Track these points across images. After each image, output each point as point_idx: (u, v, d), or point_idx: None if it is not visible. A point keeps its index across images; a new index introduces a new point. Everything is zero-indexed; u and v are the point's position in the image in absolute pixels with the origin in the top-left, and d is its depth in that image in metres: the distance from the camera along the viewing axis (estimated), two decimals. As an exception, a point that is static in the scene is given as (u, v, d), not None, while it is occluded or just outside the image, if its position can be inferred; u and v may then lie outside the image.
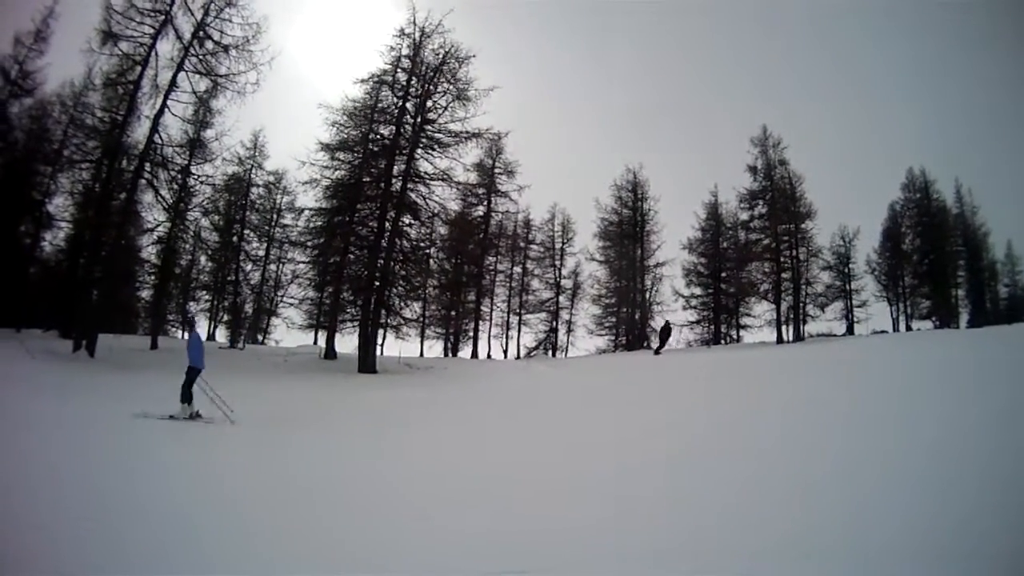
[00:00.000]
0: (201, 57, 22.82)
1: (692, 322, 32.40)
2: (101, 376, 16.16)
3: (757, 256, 31.18)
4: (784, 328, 29.74)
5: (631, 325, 31.48)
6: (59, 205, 26.06)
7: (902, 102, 50.15)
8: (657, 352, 22.13)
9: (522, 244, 32.02)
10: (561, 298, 32.09)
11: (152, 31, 22.00)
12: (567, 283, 32.31)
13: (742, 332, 32.16)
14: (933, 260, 31.97)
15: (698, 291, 32.56)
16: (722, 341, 31.62)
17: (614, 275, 31.97)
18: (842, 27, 53.98)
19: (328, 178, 24.15)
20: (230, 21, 22.84)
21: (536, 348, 31.57)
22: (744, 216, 32.15)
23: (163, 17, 22.07)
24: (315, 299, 25.51)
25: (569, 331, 32.02)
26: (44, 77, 25.69)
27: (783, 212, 30.59)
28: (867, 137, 52.32)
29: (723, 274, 32.45)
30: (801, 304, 30.27)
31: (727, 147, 64.60)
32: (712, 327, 32.33)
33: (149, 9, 21.96)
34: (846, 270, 31.87)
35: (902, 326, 31.74)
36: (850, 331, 30.84)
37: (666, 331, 26.34)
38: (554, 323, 31.84)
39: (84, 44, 21.59)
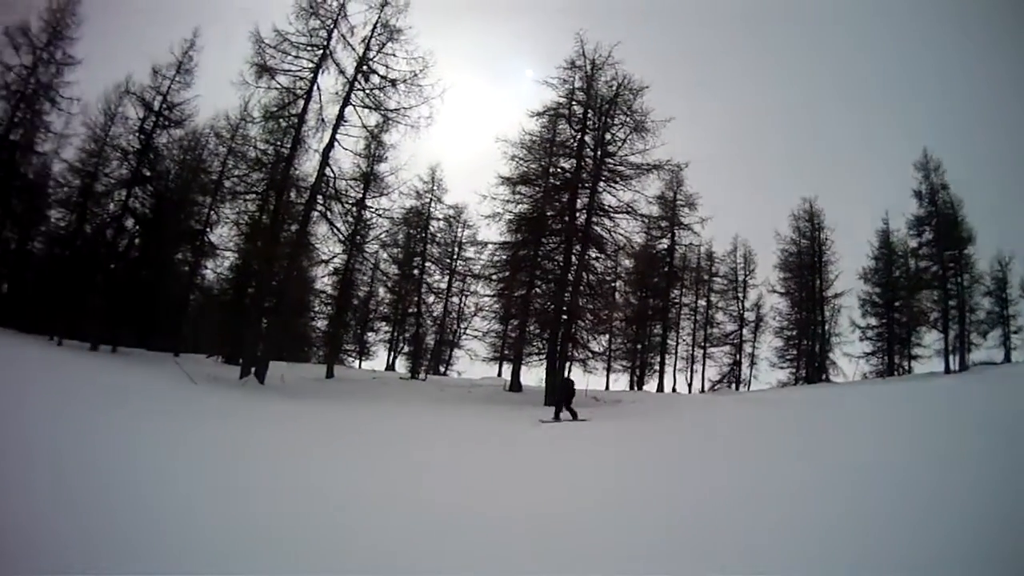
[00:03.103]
0: (368, 91, 23.25)
1: (867, 353, 30.40)
2: (269, 402, 16.19)
3: (926, 284, 29.03)
4: (951, 357, 27.54)
5: (811, 358, 29.65)
6: (222, 235, 27.00)
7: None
8: (556, 417, 16.30)
9: (706, 277, 31.09)
10: (744, 331, 30.74)
11: (312, 65, 22.65)
12: (750, 315, 31.04)
13: (914, 363, 29.95)
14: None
15: (873, 321, 30.51)
16: (895, 372, 29.50)
17: (795, 307, 30.42)
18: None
19: (511, 212, 24.27)
20: (394, 56, 23.32)
21: (720, 382, 30.36)
22: (913, 243, 30.10)
23: (321, 51, 22.68)
24: (499, 332, 25.41)
25: (752, 364, 30.58)
26: (194, 109, 26.55)
27: (947, 238, 28.44)
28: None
29: (896, 303, 30.30)
30: (967, 332, 27.90)
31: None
32: (886, 358, 30.04)
33: (305, 44, 22.64)
34: (1003, 295, 29.20)
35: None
36: (1007, 358, 28.07)
37: (564, 389, 17.97)
38: (737, 356, 30.52)
39: (236, 77, 22.16)
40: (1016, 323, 28.99)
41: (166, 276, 25.13)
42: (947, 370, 27.27)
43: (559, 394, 17.60)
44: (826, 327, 29.90)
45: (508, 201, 24.18)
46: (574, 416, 16.43)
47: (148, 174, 25.26)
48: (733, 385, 30.43)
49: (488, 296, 25.47)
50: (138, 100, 25.52)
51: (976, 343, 28.42)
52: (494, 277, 24.84)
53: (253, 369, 20.53)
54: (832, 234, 30.78)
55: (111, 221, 25.08)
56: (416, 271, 28.60)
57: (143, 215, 25.18)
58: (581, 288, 23.75)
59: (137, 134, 25.36)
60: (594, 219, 24.19)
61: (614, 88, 24.87)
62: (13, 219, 26.66)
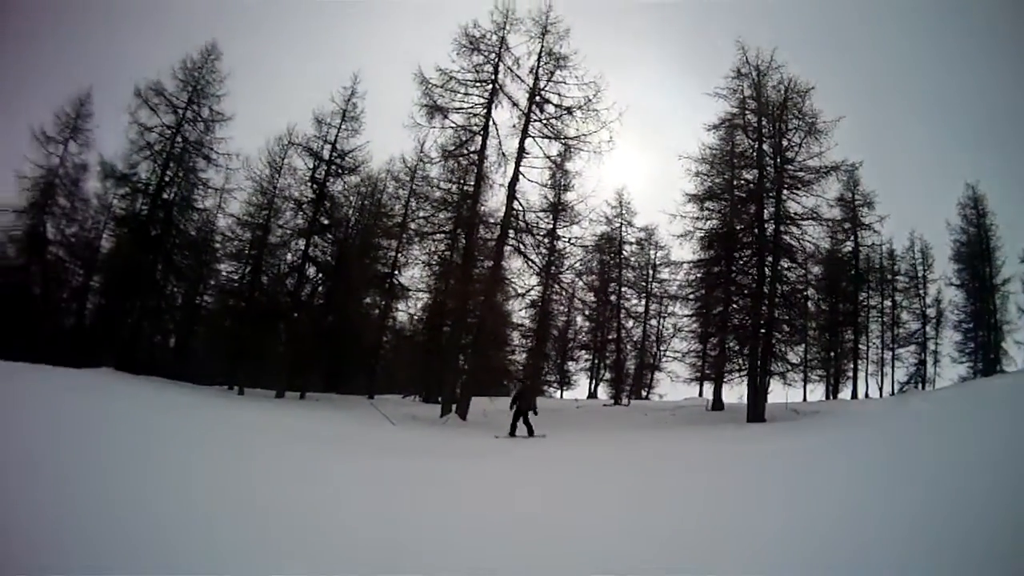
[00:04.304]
0: (545, 121, 22.99)
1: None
2: (476, 437, 15.64)
3: None
4: None
5: (987, 349, 29.04)
6: (412, 276, 27.08)
7: None
8: (512, 432, 15.45)
9: (889, 276, 30.48)
10: (927, 328, 30.10)
11: (483, 100, 22.54)
12: (931, 311, 30.28)
13: None
14: None
15: (1042, 305, 29.66)
16: None
17: (970, 298, 29.77)
18: None
19: (701, 229, 23.77)
20: (565, 83, 22.96)
21: (907, 383, 29.67)
22: None
23: (491, 86, 22.53)
24: (699, 351, 24.98)
25: (936, 362, 29.90)
26: (367, 155, 26.80)
27: None
28: None
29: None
30: None
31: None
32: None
33: (472, 80, 22.53)
34: None
35: None
36: None
37: (522, 396, 16.39)
38: (922, 355, 29.86)
39: (406, 120, 22.09)
40: None
41: (354, 320, 24.80)
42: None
43: (520, 404, 15.95)
44: (997, 316, 29.22)
45: (697, 218, 23.75)
46: (530, 432, 15.49)
47: (327, 222, 25.06)
48: (919, 385, 29.77)
49: (686, 316, 25.06)
50: (305, 151, 25.47)
51: None
52: (690, 296, 24.38)
53: (454, 406, 20.37)
54: (996, 218, 30.08)
55: (291, 271, 24.84)
56: (613, 296, 28.23)
57: (325, 263, 24.96)
58: (776, 300, 23.21)
59: (310, 184, 25.12)
60: (782, 228, 23.56)
61: (782, 92, 24.23)
62: (177, 274, 26.50)
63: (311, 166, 25.55)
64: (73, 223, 28.87)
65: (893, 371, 30.04)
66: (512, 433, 15.46)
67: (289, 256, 25.23)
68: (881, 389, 29.97)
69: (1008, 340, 28.98)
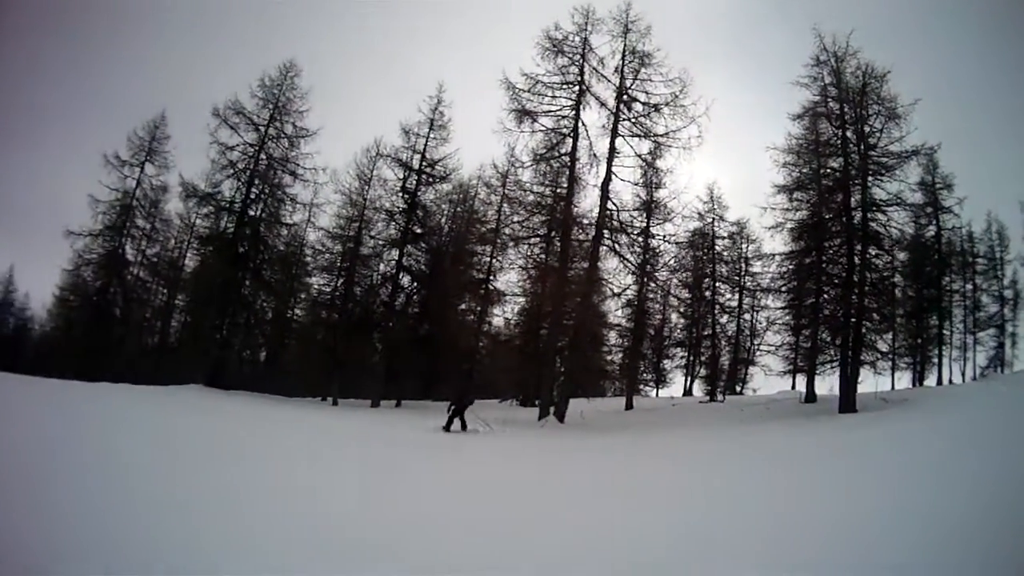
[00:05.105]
0: (634, 120, 23.06)
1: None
2: (576, 439, 15.86)
3: None
4: None
5: (1063, 331, 29.05)
6: (508, 281, 27.33)
7: None
8: (447, 427, 15.65)
9: (970, 259, 30.46)
10: (1005, 310, 30.11)
11: (571, 102, 22.69)
12: (1008, 293, 30.27)
13: None
14: None
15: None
16: None
17: None
18: None
19: (791, 220, 23.92)
20: (651, 80, 23.00)
21: (988, 367, 29.71)
22: None
23: (578, 88, 22.68)
24: (791, 344, 25.14)
25: (1014, 344, 29.91)
26: (458, 163, 27.22)
27: None
28: None
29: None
30: None
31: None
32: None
33: (559, 83, 22.71)
34: None
35: None
36: None
37: (459, 396, 16.83)
38: (1001, 337, 29.89)
39: (496, 126, 22.31)
40: None
41: (450, 327, 25.15)
42: None
43: (457, 400, 16.45)
44: (1079, 292, 29.11)
45: (787, 209, 23.93)
46: (463, 427, 15.78)
47: (419, 231, 25.31)
48: (999, 368, 29.80)
49: (779, 308, 25.21)
50: (395, 161, 25.75)
51: None
52: (783, 288, 24.50)
53: (552, 408, 20.50)
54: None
55: (385, 281, 25.18)
56: (707, 292, 28.37)
57: (419, 271, 25.25)
58: (865, 288, 23.27)
59: (400, 194, 25.38)
60: (869, 215, 23.60)
61: (861, 78, 24.19)
62: (267, 289, 26.93)
63: (401, 176, 25.86)
64: (154, 244, 29.52)
65: (975, 355, 30.23)
66: (447, 428, 15.70)
67: (382, 266, 25.62)
68: (964, 374, 30.15)
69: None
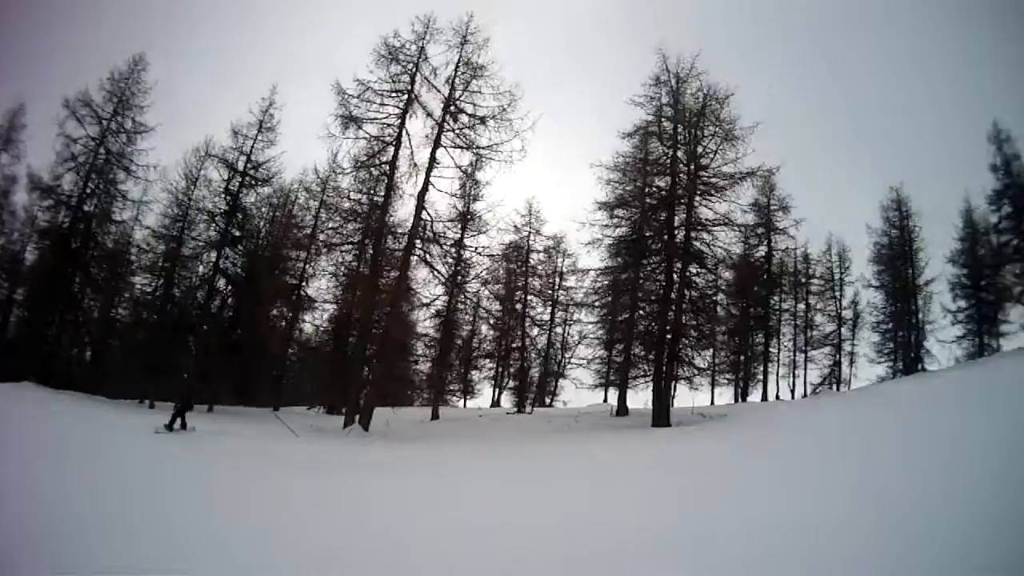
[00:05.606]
0: (458, 131, 22.95)
1: (959, 337, 29.69)
2: (376, 449, 15.82)
3: (1008, 259, 28.42)
4: None
5: (907, 349, 29.28)
6: (319, 288, 26.98)
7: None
8: (169, 426, 15.33)
9: (803, 279, 30.70)
10: (843, 329, 30.37)
11: (398, 111, 22.44)
12: (847, 314, 30.60)
13: (1001, 340, 29.16)
14: None
15: (963, 304, 29.95)
16: (984, 352, 28.82)
17: (889, 299, 30.02)
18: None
19: (610, 236, 23.92)
20: (480, 92, 22.98)
21: (821, 384, 29.99)
22: (994, 219, 29.41)
23: (406, 96, 22.44)
24: (604, 358, 25.08)
25: (852, 363, 30.25)
26: (281, 165, 26.68)
27: None
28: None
29: (982, 282, 29.72)
30: None
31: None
32: (976, 340, 29.52)
33: (389, 91, 22.44)
34: None
35: None
36: None
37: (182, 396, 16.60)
38: (837, 356, 30.11)
39: (321, 131, 21.87)
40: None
41: (262, 332, 24.81)
42: (1037, 346, 26.42)
43: (183, 399, 16.28)
44: (919, 316, 29.47)
45: (606, 226, 23.82)
46: (184, 426, 15.72)
47: (238, 234, 25.01)
48: (834, 386, 30.03)
49: (592, 323, 25.22)
50: (221, 162, 25.42)
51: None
52: (596, 304, 24.49)
53: (357, 417, 20.34)
54: (920, 220, 30.30)
55: (202, 283, 24.84)
56: (519, 305, 28.31)
57: (235, 275, 24.93)
58: (684, 305, 23.31)
59: (223, 195, 25.09)
60: (693, 234, 23.67)
61: (700, 99, 24.33)
62: (94, 287, 26.47)
63: (225, 177, 25.42)
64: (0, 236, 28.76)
65: (806, 373, 30.50)
66: (169, 428, 15.51)
67: (201, 268, 25.16)
68: (793, 391, 30.37)
69: (931, 340, 29.27)
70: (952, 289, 29.84)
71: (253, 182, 25.86)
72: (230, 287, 25.24)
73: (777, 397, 29.77)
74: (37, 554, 4.83)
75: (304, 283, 26.86)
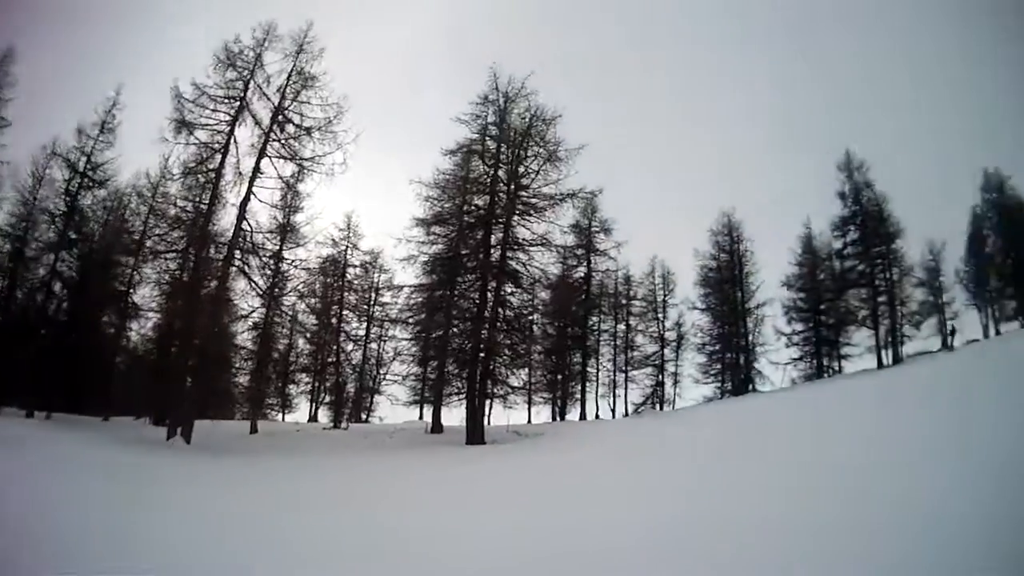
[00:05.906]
0: (283, 142, 23.10)
1: (795, 359, 31.16)
2: (196, 463, 16.00)
3: (853, 283, 29.95)
4: (884, 352, 28.61)
5: (735, 370, 30.40)
6: (145, 295, 26.41)
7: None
8: None
9: (624, 301, 31.51)
10: (666, 350, 31.29)
11: (229, 118, 22.37)
12: (671, 335, 31.58)
13: (843, 362, 30.79)
14: (1014, 258, 29.70)
15: (799, 327, 31.31)
16: (825, 374, 30.24)
17: (716, 321, 31.05)
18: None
19: (426, 253, 24.38)
20: (309, 103, 23.15)
21: (643, 404, 30.91)
22: (838, 244, 30.95)
23: (238, 103, 22.46)
24: (419, 374, 25.46)
25: (676, 383, 31.21)
26: (116, 168, 26.36)
27: (873, 235, 29.42)
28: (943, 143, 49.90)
29: (822, 306, 31.13)
30: (898, 326, 28.99)
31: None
32: (814, 361, 30.90)
33: (222, 96, 22.38)
34: (936, 284, 30.67)
35: (992, 332, 29.80)
36: (945, 345, 28.74)
37: None
38: (660, 376, 31.07)
39: (156, 134, 21.67)
40: (951, 309, 30.38)
41: (94, 339, 24.60)
42: (880, 365, 28.07)
43: None
44: (750, 338, 30.60)
45: (423, 243, 24.29)
46: None
47: (74, 237, 24.86)
48: (657, 406, 30.95)
49: (406, 340, 25.65)
50: (64, 162, 25.33)
51: (909, 335, 29.53)
52: (411, 320, 24.85)
53: (179, 429, 20.21)
54: (752, 245, 31.46)
55: (41, 285, 24.52)
56: (334, 320, 28.49)
57: (71, 278, 24.76)
58: (498, 324, 23.84)
59: (63, 196, 24.83)
60: (508, 254, 24.24)
61: (527, 120, 24.84)
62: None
63: (67, 177, 25.18)
64: None
65: (627, 392, 31.47)
66: None
67: (41, 271, 24.81)
68: (614, 410, 31.31)
69: (762, 360, 30.47)
70: (787, 312, 31.23)
71: (91, 184, 25.74)
72: (65, 291, 24.96)
73: (597, 416, 30.58)
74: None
75: (132, 290, 26.63)
